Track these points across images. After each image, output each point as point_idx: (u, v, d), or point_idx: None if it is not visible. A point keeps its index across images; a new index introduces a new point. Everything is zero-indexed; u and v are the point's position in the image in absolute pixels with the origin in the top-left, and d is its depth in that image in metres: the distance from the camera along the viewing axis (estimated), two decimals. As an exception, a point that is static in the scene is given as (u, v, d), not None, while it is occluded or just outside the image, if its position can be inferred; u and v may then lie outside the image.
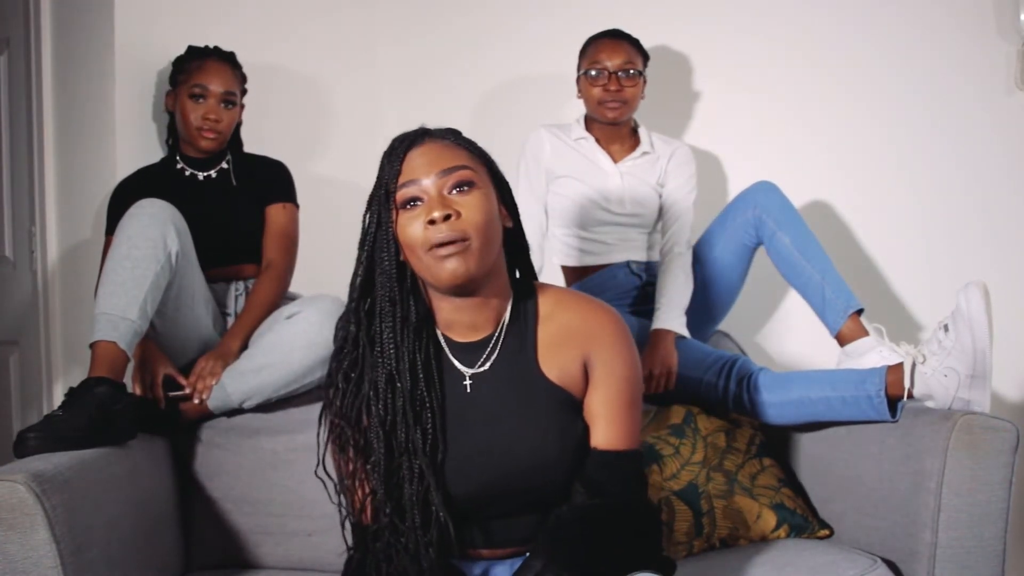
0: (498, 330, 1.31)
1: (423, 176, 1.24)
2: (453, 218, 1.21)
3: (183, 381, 1.83)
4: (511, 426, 1.28)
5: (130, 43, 2.15)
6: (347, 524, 1.34)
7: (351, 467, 1.30)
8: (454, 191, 1.24)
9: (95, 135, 2.19)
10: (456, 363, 1.31)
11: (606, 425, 1.29)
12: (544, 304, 1.33)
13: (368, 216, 1.30)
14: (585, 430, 1.31)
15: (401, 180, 1.24)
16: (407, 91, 2.76)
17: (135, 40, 2.16)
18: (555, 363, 1.30)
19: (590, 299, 1.36)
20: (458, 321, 1.30)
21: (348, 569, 1.30)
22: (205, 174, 2.10)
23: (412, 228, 1.23)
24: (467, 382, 1.30)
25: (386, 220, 1.26)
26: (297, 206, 2.14)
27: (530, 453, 1.27)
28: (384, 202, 1.26)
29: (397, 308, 1.27)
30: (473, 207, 1.23)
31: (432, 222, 1.21)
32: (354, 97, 2.71)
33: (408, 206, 1.24)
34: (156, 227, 1.75)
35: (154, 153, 2.19)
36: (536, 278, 1.40)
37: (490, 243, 1.25)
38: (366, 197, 1.32)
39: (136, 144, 2.17)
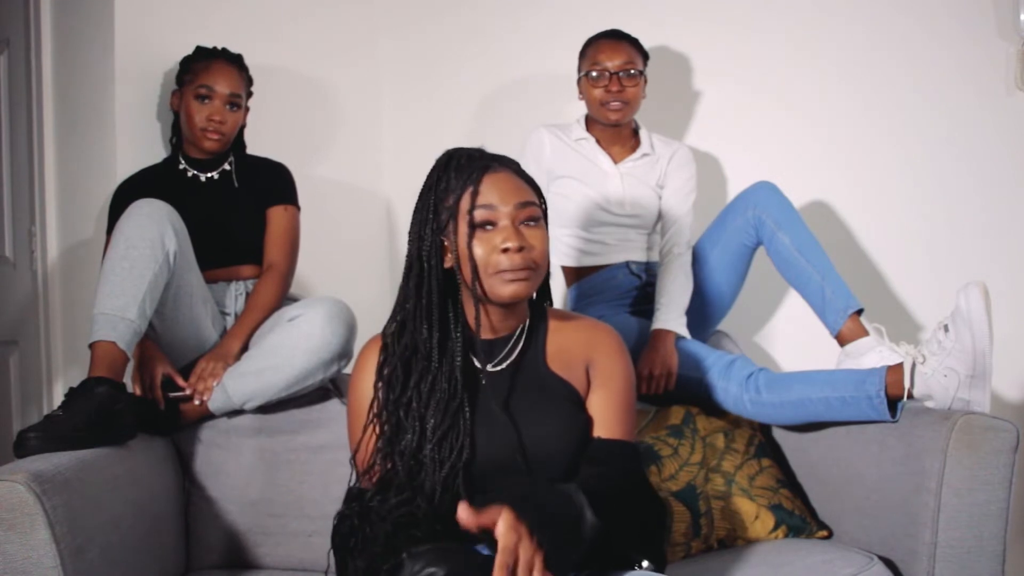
0: (516, 334, 1.42)
1: (501, 204, 1.34)
2: (527, 250, 1.34)
3: (181, 382, 1.83)
4: (521, 412, 1.37)
5: (130, 43, 2.15)
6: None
7: (375, 438, 1.37)
8: (525, 224, 1.36)
9: (95, 135, 2.19)
10: (474, 360, 1.41)
11: (604, 420, 1.41)
12: (553, 321, 1.46)
13: (420, 221, 1.38)
14: (587, 423, 1.41)
15: (480, 201, 1.34)
16: (407, 93, 2.76)
17: (135, 40, 2.16)
18: (562, 362, 1.42)
19: (592, 319, 1.50)
20: (485, 323, 1.40)
21: (340, 528, 1.33)
22: (207, 175, 2.10)
23: (484, 249, 1.34)
24: (482, 376, 1.40)
25: (443, 229, 1.36)
26: (298, 208, 2.14)
27: (539, 442, 1.36)
28: (450, 212, 1.35)
29: (448, 317, 1.38)
30: (540, 240, 1.36)
31: (506, 250, 1.32)
32: (353, 98, 2.71)
33: (483, 227, 1.34)
34: (153, 227, 1.75)
35: (154, 153, 2.19)
36: (552, 303, 1.53)
37: (544, 273, 1.41)
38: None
39: (136, 144, 2.17)
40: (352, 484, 1.41)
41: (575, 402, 1.41)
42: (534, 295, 1.47)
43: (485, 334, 1.40)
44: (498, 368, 1.41)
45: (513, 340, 1.42)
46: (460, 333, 1.37)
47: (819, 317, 1.97)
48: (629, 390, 1.43)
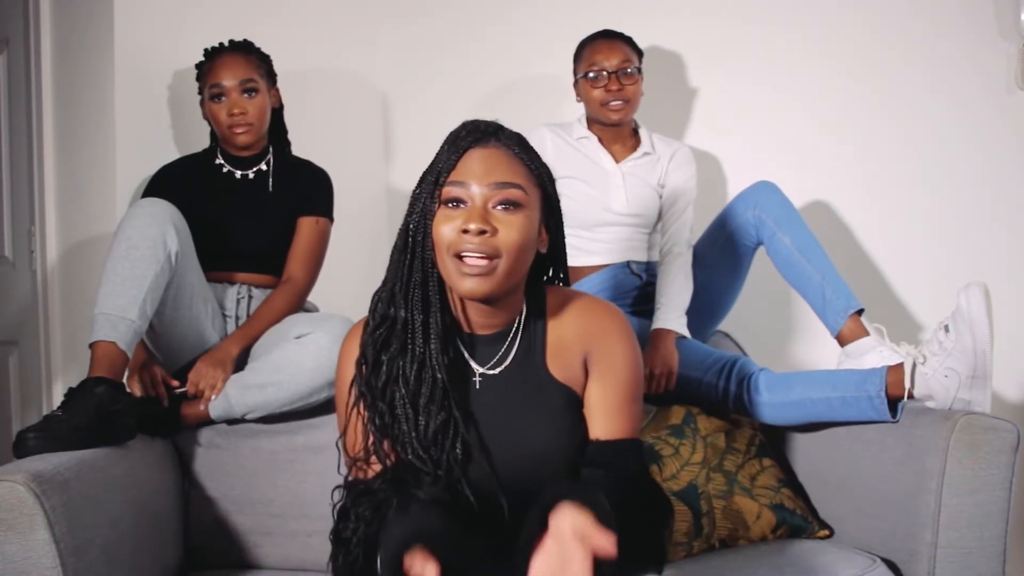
0: (511, 331, 1.32)
1: (475, 181, 1.23)
2: (488, 234, 1.21)
3: (174, 383, 1.83)
4: (517, 424, 1.29)
5: (130, 43, 2.15)
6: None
7: (369, 440, 1.29)
8: (499, 207, 1.23)
9: (95, 135, 2.19)
10: (468, 358, 1.32)
11: (605, 418, 1.30)
12: (552, 306, 1.34)
13: (416, 195, 1.29)
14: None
15: (453, 176, 1.24)
16: (406, 93, 2.76)
17: (135, 40, 2.16)
18: (561, 362, 1.31)
19: (593, 298, 1.37)
20: (472, 319, 1.31)
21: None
22: (243, 173, 2.07)
23: (445, 228, 1.23)
24: (476, 379, 1.31)
25: (430, 208, 1.25)
26: (331, 220, 2.09)
27: (535, 451, 1.28)
28: (431, 189, 1.26)
29: (429, 298, 1.27)
30: (512, 227, 1.22)
31: (466, 231, 1.21)
32: (352, 92, 2.70)
33: (450, 204, 1.24)
34: (155, 227, 1.74)
35: (154, 153, 2.18)
36: (569, 285, 1.42)
37: (517, 267, 1.25)
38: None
39: (136, 144, 2.17)
40: (347, 476, 1.33)
41: (575, 407, 1.32)
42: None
43: (475, 330, 1.32)
44: (492, 372, 1.32)
45: (509, 339, 1.32)
46: (440, 319, 1.27)
47: (820, 317, 1.97)
48: (633, 380, 1.31)
